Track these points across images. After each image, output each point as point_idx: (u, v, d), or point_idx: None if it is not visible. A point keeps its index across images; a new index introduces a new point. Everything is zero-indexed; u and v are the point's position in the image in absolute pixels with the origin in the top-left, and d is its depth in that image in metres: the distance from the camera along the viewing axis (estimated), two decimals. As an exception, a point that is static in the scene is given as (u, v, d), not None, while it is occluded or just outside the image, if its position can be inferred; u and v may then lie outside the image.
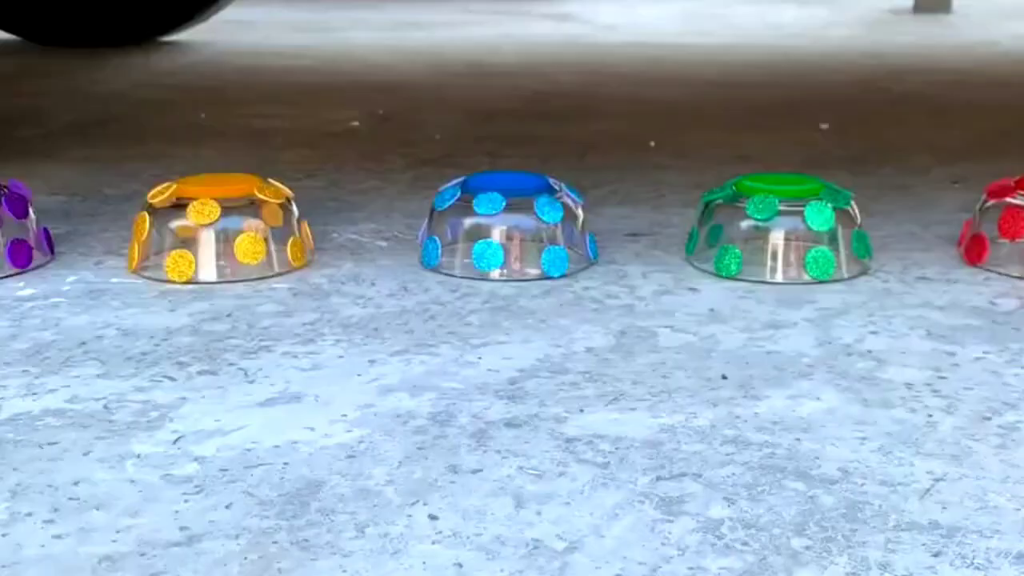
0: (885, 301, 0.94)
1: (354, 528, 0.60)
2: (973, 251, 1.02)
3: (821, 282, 0.97)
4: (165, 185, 1.02)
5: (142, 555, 0.58)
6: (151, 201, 1.01)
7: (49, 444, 0.70)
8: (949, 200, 1.25)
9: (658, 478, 0.66)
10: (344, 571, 0.57)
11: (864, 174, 1.35)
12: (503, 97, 1.90)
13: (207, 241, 0.99)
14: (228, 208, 0.99)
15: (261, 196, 1.01)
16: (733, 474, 0.66)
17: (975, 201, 1.06)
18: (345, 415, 0.74)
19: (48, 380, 0.79)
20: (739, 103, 1.84)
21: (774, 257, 0.98)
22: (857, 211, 1.01)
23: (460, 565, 0.57)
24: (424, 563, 0.57)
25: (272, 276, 1.00)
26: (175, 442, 0.70)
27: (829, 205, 0.97)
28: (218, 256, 0.99)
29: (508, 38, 2.66)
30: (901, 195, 1.27)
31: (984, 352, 0.84)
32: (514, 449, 0.69)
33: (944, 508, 0.62)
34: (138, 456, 0.68)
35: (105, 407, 0.75)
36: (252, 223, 1.00)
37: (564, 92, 1.94)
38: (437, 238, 1.02)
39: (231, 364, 0.82)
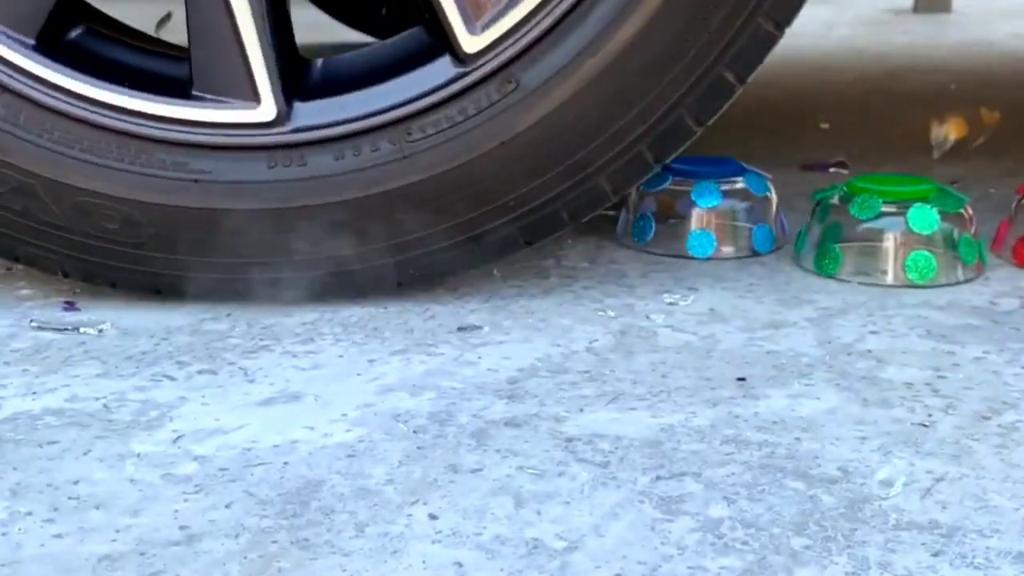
0: (885, 301, 0.94)
1: (354, 527, 0.60)
2: (1022, 253, 1.02)
3: (922, 286, 0.96)
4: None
5: (142, 554, 0.58)
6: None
7: (49, 443, 0.70)
8: (949, 200, 1.24)
9: (658, 477, 0.66)
10: (344, 570, 0.57)
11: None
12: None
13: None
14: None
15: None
16: (733, 473, 0.66)
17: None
18: (345, 414, 0.74)
19: (48, 379, 0.79)
20: (740, 103, 1.83)
21: (875, 258, 0.98)
22: (972, 216, 1.00)
23: (460, 564, 0.57)
24: (424, 562, 0.57)
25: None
26: (175, 441, 0.70)
27: (935, 208, 0.97)
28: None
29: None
30: (901, 195, 1.27)
31: (984, 352, 0.84)
32: (514, 449, 0.69)
33: (944, 508, 0.62)
34: (138, 455, 0.68)
35: (105, 406, 0.75)
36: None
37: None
38: (651, 216, 1.06)
39: (231, 363, 0.82)
